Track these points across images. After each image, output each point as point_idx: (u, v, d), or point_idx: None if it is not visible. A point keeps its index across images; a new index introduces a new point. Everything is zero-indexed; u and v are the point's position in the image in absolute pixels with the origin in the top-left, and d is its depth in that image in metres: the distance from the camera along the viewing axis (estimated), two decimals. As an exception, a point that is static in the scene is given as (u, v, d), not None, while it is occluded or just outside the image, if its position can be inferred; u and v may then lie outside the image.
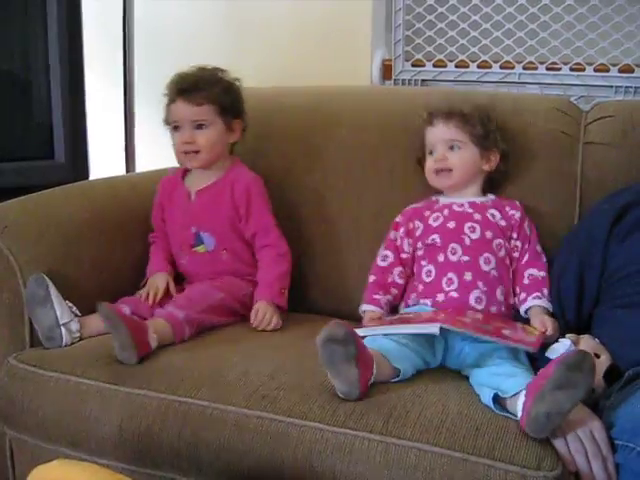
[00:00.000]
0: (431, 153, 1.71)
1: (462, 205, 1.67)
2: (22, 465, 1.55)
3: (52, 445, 1.46)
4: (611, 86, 2.30)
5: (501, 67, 2.39)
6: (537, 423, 1.18)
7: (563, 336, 1.41)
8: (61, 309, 1.52)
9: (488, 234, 1.62)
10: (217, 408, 1.33)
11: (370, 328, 1.49)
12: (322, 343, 1.26)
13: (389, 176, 1.86)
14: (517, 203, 1.68)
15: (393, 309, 1.68)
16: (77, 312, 1.57)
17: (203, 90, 1.73)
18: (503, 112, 1.78)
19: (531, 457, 1.16)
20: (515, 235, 1.65)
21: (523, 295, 1.59)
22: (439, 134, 1.69)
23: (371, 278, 1.70)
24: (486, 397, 1.28)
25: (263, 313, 1.68)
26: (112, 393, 1.40)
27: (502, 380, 1.29)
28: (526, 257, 1.63)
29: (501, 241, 1.62)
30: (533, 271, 1.61)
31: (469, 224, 1.63)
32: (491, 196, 1.71)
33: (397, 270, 1.69)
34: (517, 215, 1.66)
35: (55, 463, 1.08)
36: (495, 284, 1.58)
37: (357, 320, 1.63)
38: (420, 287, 1.62)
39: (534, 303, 1.57)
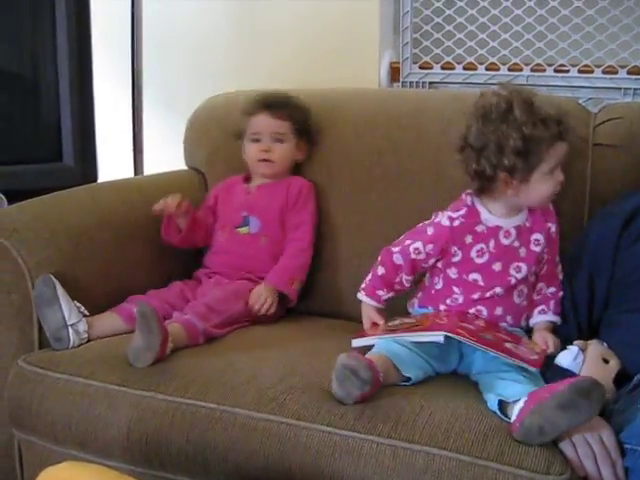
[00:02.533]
0: (552, 174, 1.49)
1: (509, 234, 1.52)
2: (31, 467, 1.55)
3: (60, 447, 1.46)
4: (619, 88, 2.29)
5: (509, 69, 2.39)
6: (528, 434, 1.18)
7: (571, 343, 1.41)
8: (69, 310, 1.53)
9: (532, 269, 1.54)
10: (225, 410, 1.33)
11: (374, 337, 1.49)
12: (341, 367, 1.28)
13: (396, 178, 1.86)
14: (551, 209, 1.57)
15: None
16: (85, 312, 1.57)
17: (286, 108, 1.89)
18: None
19: (540, 462, 1.16)
20: (547, 250, 1.56)
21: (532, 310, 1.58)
22: (564, 151, 1.50)
23: (380, 270, 1.58)
24: (492, 403, 1.28)
25: (258, 294, 1.72)
26: (120, 395, 1.40)
27: (507, 385, 1.29)
28: (544, 270, 1.57)
29: (536, 268, 1.56)
30: (543, 287, 1.58)
31: (515, 264, 1.52)
32: (525, 209, 1.57)
33: (405, 277, 1.58)
34: (553, 228, 1.56)
35: (64, 465, 1.08)
36: (522, 313, 1.56)
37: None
38: (442, 306, 1.56)
39: (540, 318, 1.55)
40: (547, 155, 1.46)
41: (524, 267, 1.52)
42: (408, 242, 1.56)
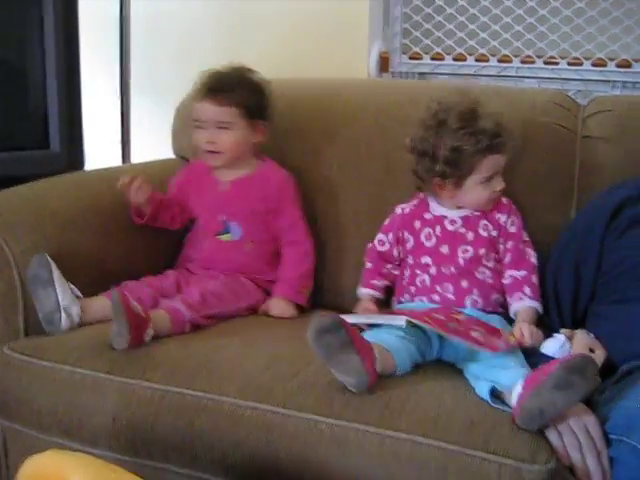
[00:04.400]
0: (489, 181, 1.58)
1: (454, 222, 1.62)
2: (15, 455, 1.55)
3: (46, 435, 1.45)
4: (608, 81, 2.30)
5: (499, 61, 2.40)
6: (529, 417, 1.18)
7: (557, 331, 1.41)
8: (62, 292, 1.51)
9: (481, 251, 1.59)
10: (212, 399, 1.33)
11: (343, 315, 1.49)
12: (314, 337, 1.24)
13: (386, 170, 1.86)
14: (504, 201, 1.64)
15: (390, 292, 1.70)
16: (78, 293, 1.55)
17: (229, 91, 1.74)
18: (500, 106, 1.78)
19: (526, 450, 1.16)
20: (502, 239, 1.62)
21: (507, 298, 1.58)
22: (500, 163, 1.60)
23: (368, 264, 1.70)
24: (483, 390, 1.28)
25: (279, 308, 1.71)
26: (106, 383, 1.39)
27: (498, 373, 1.29)
28: (507, 257, 1.61)
29: (493, 254, 1.61)
30: (512, 272, 1.59)
31: (463, 247, 1.60)
32: None
33: (389, 266, 1.70)
34: (503, 219, 1.62)
35: (48, 453, 1.08)
36: (490, 290, 1.59)
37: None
38: (413, 289, 1.62)
39: (519, 306, 1.56)
40: (479, 165, 1.56)
41: (471, 249, 1.59)
42: (377, 236, 1.70)
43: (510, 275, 1.59)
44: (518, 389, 1.21)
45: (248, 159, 1.82)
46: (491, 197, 1.60)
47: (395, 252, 1.68)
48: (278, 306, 1.72)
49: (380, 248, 1.69)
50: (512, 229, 1.62)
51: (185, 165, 1.91)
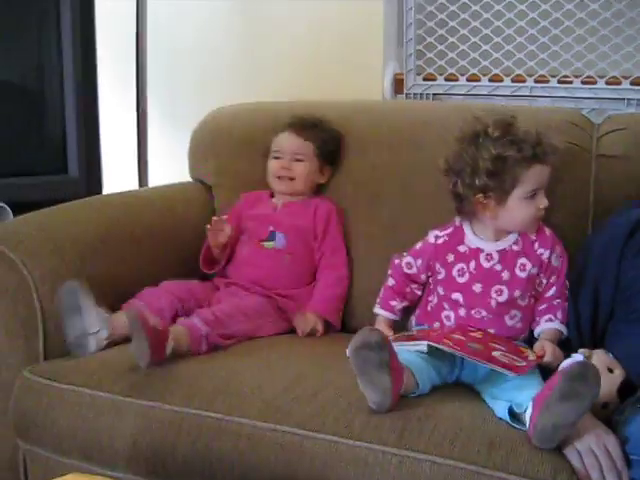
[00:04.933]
0: (532, 197, 1.51)
1: (491, 257, 1.54)
2: (35, 478, 1.56)
3: (66, 458, 1.46)
4: (623, 99, 2.29)
5: (513, 81, 2.40)
6: (544, 434, 1.18)
7: (577, 349, 1.41)
8: (92, 317, 1.53)
9: (517, 293, 1.53)
10: (231, 420, 1.33)
11: None
12: (355, 350, 1.25)
13: (401, 193, 1.86)
14: (546, 232, 1.58)
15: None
16: (107, 315, 1.56)
17: (310, 129, 1.89)
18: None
19: (546, 471, 1.16)
20: (542, 274, 1.56)
21: (537, 318, 1.56)
22: (545, 175, 1.52)
23: (390, 281, 1.68)
24: (501, 410, 1.28)
25: (307, 321, 1.75)
26: (126, 406, 1.40)
27: (516, 394, 1.29)
28: (551, 291, 1.56)
29: (530, 292, 1.56)
30: (549, 302, 1.57)
31: (497, 287, 1.53)
32: (516, 234, 1.57)
33: (413, 286, 1.67)
34: (545, 255, 1.55)
35: (69, 477, 1.08)
36: (519, 333, 1.56)
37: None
38: (436, 324, 1.58)
39: (546, 326, 1.54)
40: (523, 177, 1.49)
41: (506, 290, 1.53)
42: (405, 255, 1.66)
43: (544, 303, 1.57)
44: (529, 410, 1.21)
45: (309, 195, 1.92)
46: (536, 216, 1.53)
47: (423, 277, 1.65)
48: (312, 320, 1.75)
49: (407, 270, 1.65)
50: (556, 263, 1.57)
51: (229, 192, 2.00)
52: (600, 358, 1.38)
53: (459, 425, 1.25)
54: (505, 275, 1.54)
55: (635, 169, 1.72)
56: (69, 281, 1.53)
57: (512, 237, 1.57)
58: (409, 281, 1.67)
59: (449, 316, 1.57)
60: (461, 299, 1.55)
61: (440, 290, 1.60)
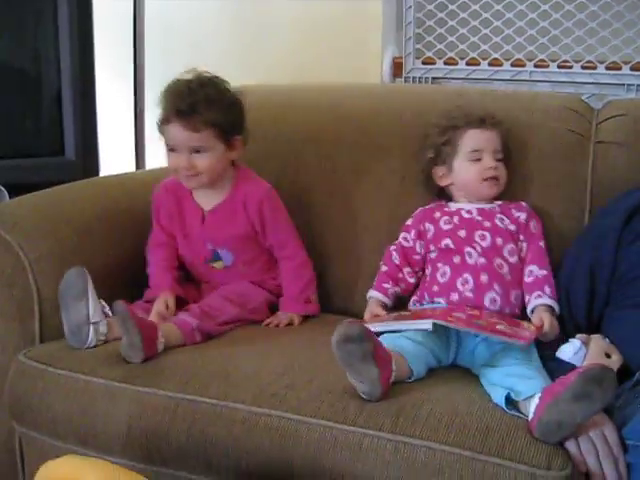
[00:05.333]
0: (477, 160, 1.67)
1: (470, 212, 1.66)
2: (31, 461, 1.55)
3: (61, 442, 1.46)
4: (623, 84, 2.29)
5: (512, 65, 2.39)
6: (548, 430, 1.18)
7: (573, 336, 1.41)
8: (94, 308, 1.49)
9: (499, 241, 1.61)
10: (226, 406, 1.33)
11: (365, 325, 1.49)
12: (337, 344, 1.25)
13: (400, 175, 1.85)
14: (523, 204, 1.68)
15: (399, 301, 1.69)
16: (109, 312, 1.53)
17: (201, 114, 1.60)
18: (513, 110, 1.78)
19: (541, 457, 1.16)
20: (522, 237, 1.64)
21: (527, 296, 1.58)
22: (491, 141, 1.68)
23: (383, 268, 1.71)
24: (498, 397, 1.28)
25: (288, 320, 1.71)
26: (121, 391, 1.40)
27: (516, 381, 1.29)
28: (529, 255, 1.62)
29: (512, 246, 1.62)
30: (534, 268, 1.60)
31: (479, 232, 1.62)
32: (497, 202, 1.69)
33: (406, 270, 1.69)
34: (522, 217, 1.65)
35: (64, 459, 1.08)
36: (510, 287, 1.58)
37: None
38: (435, 287, 1.61)
39: (537, 302, 1.55)
40: (460, 141, 1.68)
41: (488, 236, 1.61)
42: (399, 236, 1.73)
43: (531, 271, 1.59)
44: (535, 401, 1.21)
45: (227, 176, 1.73)
46: (482, 176, 1.65)
47: (418, 247, 1.68)
48: (284, 318, 1.71)
49: (405, 244, 1.70)
50: (534, 231, 1.65)
51: (156, 190, 1.78)
52: (597, 343, 1.38)
53: (455, 410, 1.25)
54: (486, 223, 1.64)
55: (634, 156, 1.71)
56: (76, 267, 1.49)
57: (489, 205, 1.68)
58: (404, 262, 1.69)
59: (445, 271, 1.60)
60: (450, 242, 1.62)
61: (432, 253, 1.66)
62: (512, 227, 1.63)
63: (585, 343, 1.37)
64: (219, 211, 1.73)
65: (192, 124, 1.60)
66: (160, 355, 1.47)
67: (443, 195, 1.74)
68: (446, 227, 1.65)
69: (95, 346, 1.51)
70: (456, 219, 1.66)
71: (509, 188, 1.71)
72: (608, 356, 1.36)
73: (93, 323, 1.50)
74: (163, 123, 1.65)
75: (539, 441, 1.18)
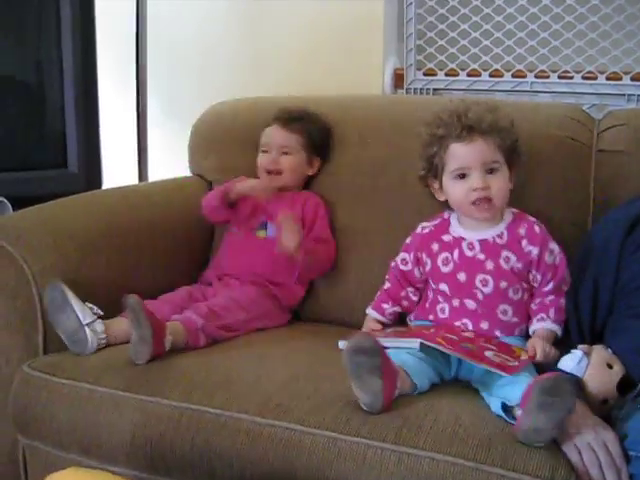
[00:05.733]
0: (463, 176, 1.51)
1: (473, 247, 1.54)
2: (35, 472, 1.55)
3: (65, 453, 1.46)
4: (623, 94, 2.29)
5: (513, 76, 2.40)
6: (527, 435, 1.19)
7: (576, 346, 1.41)
8: (82, 311, 1.51)
9: (503, 285, 1.51)
10: (230, 416, 1.33)
11: None
12: (349, 354, 1.25)
13: (400, 186, 1.85)
14: (537, 230, 1.55)
15: (400, 318, 1.68)
16: (99, 312, 1.55)
17: (298, 121, 1.89)
18: (515, 120, 1.78)
19: (544, 467, 1.16)
20: (534, 271, 1.53)
21: (531, 317, 1.55)
22: (477, 154, 1.50)
23: (386, 285, 1.68)
24: (495, 406, 1.29)
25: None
26: (125, 401, 1.40)
27: (509, 390, 1.29)
28: (548, 287, 1.54)
29: (518, 286, 1.53)
30: (545, 293, 1.55)
31: (481, 276, 1.51)
32: (506, 220, 1.57)
33: (409, 289, 1.66)
34: (534, 252, 1.52)
35: (68, 471, 1.09)
36: (513, 328, 1.54)
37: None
38: (431, 317, 1.58)
39: (538, 326, 1.53)
40: (446, 157, 1.52)
41: (491, 281, 1.52)
42: (398, 255, 1.67)
43: (541, 294, 1.55)
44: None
45: (297, 188, 1.92)
46: (469, 197, 1.50)
47: (417, 273, 1.63)
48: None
49: (403, 267, 1.65)
50: (550, 260, 1.53)
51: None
52: (599, 354, 1.38)
53: (458, 422, 1.25)
54: (489, 265, 1.52)
55: (635, 164, 1.72)
56: (51, 282, 1.53)
57: (496, 229, 1.55)
58: (406, 283, 1.65)
59: (443, 309, 1.57)
60: (447, 289, 1.55)
61: (432, 283, 1.60)
62: (519, 265, 1.52)
63: (587, 354, 1.37)
64: (282, 198, 1.87)
65: (288, 126, 1.89)
66: (164, 363, 1.47)
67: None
68: (445, 269, 1.55)
69: (98, 350, 1.53)
70: (456, 255, 1.54)
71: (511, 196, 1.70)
72: (610, 367, 1.35)
73: (87, 324, 1.51)
74: (263, 129, 1.92)
75: (542, 452, 1.18)
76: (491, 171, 1.51)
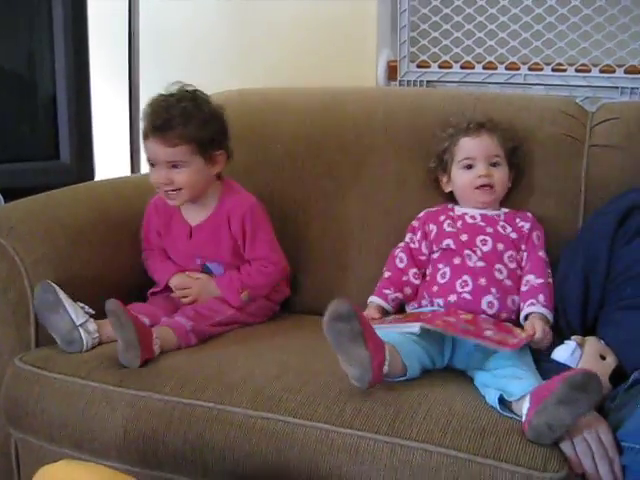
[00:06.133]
0: (469, 167, 1.68)
1: (475, 217, 1.67)
2: (27, 466, 1.55)
3: (57, 447, 1.46)
4: (617, 87, 2.30)
5: (506, 68, 2.40)
6: (538, 432, 1.18)
7: (568, 338, 1.41)
8: (75, 311, 1.50)
9: (500, 246, 1.62)
10: (222, 409, 1.33)
11: None
12: (327, 323, 1.25)
13: (396, 177, 1.85)
14: (529, 214, 1.69)
15: (401, 307, 1.68)
16: (90, 311, 1.54)
17: (176, 129, 1.61)
18: (508, 113, 1.78)
19: (537, 458, 1.16)
20: (524, 246, 1.64)
21: (521, 304, 1.57)
22: (483, 147, 1.68)
23: (386, 274, 1.69)
24: (491, 398, 1.28)
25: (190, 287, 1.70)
26: (117, 395, 1.40)
27: (507, 382, 1.29)
28: (528, 265, 1.62)
29: (512, 253, 1.62)
30: (531, 277, 1.59)
31: (481, 237, 1.63)
32: (504, 209, 1.70)
33: (412, 271, 1.68)
34: (526, 227, 1.66)
35: (61, 463, 1.08)
36: (507, 292, 1.58)
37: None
38: (434, 288, 1.61)
39: (529, 310, 1.54)
40: (455, 150, 1.70)
41: (490, 240, 1.62)
42: (405, 237, 1.73)
43: (527, 280, 1.59)
44: (526, 403, 1.21)
45: (211, 190, 1.73)
46: (474, 184, 1.66)
47: (424, 247, 1.68)
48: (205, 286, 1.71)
49: (411, 245, 1.71)
50: (536, 241, 1.66)
51: (148, 205, 1.79)
52: (592, 345, 1.39)
53: (451, 412, 1.25)
54: (488, 229, 1.65)
55: (628, 159, 1.72)
56: (42, 282, 1.51)
57: (494, 212, 1.69)
58: (411, 263, 1.69)
59: (445, 272, 1.61)
60: (452, 243, 1.63)
61: (434, 251, 1.66)
62: (514, 235, 1.64)
63: (580, 344, 1.38)
64: (205, 227, 1.73)
65: (168, 139, 1.61)
66: (156, 358, 1.47)
67: (452, 199, 1.75)
68: (449, 229, 1.66)
69: (92, 348, 1.52)
70: (459, 223, 1.67)
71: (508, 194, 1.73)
72: (603, 358, 1.36)
73: (80, 325, 1.50)
74: (143, 138, 1.66)
75: (535, 443, 1.18)
76: (494, 164, 1.68)
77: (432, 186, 1.79)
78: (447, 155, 1.72)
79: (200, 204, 1.73)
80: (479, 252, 1.60)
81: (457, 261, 1.61)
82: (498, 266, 1.59)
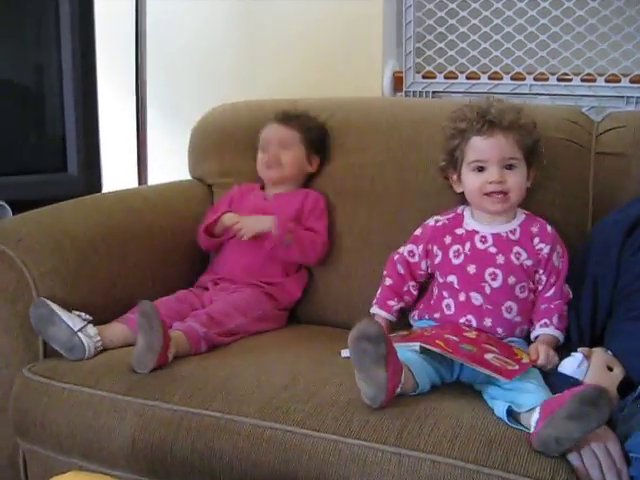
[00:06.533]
0: (481, 169, 1.56)
1: (485, 240, 1.56)
2: (35, 477, 1.56)
3: (65, 457, 1.46)
4: (622, 96, 2.30)
5: (512, 78, 2.40)
6: (546, 445, 1.18)
7: (577, 349, 1.41)
8: (70, 319, 1.51)
9: (511, 280, 1.53)
10: (230, 419, 1.33)
11: None
12: (354, 341, 1.25)
13: (399, 188, 1.86)
14: (548, 230, 1.58)
15: (403, 316, 1.68)
16: (88, 317, 1.54)
17: (297, 118, 1.93)
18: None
19: (545, 470, 1.16)
20: (541, 270, 1.56)
21: (534, 321, 1.56)
22: (496, 149, 1.54)
23: (387, 281, 1.67)
24: (500, 409, 1.28)
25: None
26: (125, 404, 1.40)
27: (517, 395, 1.29)
28: (550, 292, 1.56)
29: (525, 284, 1.55)
30: (548, 295, 1.56)
31: (490, 270, 1.53)
32: (521, 215, 1.60)
33: (411, 283, 1.66)
34: (545, 250, 1.55)
35: (69, 475, 1.08)
36: (515, 328, 1.55)
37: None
38: (437, 315, 1.58)
39: (540, 331, 1.53)
40: (466, 150, 1.57)
41: (500, 275, 1.53)
42: (405, 246, 1.67)
43: (545, 299, 1.56)
44: (535, 415, 1.21)
45: (297, 185, 1.94)
46: (484, 189, 1.54)
47: (423, 265, 1.64)
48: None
49: (410, 259, 1.65)
50: (557, 263, 1.56)
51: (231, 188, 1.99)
52: (599, 356, 1.38)
53: (458, 424, 1.25)
54: (499, 259, 1.54)
55: (634, 167, 1.72)
56: (33, 303, 1.53)
57: (509, 225, 1.58)
58: (409, 276, 1.66)
59: (449, 305, 1.57)
60: (456, 282, 1.56)
61: (438, 277, 1.61)
62: (529, 262, 1.54)
63: (587, 356, 1.37)
64: (282, 197, 1.90)
65: (285, 122, 1.92)
66: (164, 367, 1.47)
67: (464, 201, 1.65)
68: (455, 261, 1.57)
69: (97, 354, 1.53)
70: (467, 248, 1.56)
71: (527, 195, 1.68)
72: (610, 369, 1.36)
73: (79, 330, 1.51)
74: (262, 130, 1.94)
75: (543, 454, 1.18)
76: (509, 167, 1.55)
77: (437, 196, 1.76)
78: (458, 153, 1.59)
79: (283, 187, 1.92)
80: (487, 288, 1.53)
81: (462, 298, 1.55)
82: (508, 304, 1.54)
